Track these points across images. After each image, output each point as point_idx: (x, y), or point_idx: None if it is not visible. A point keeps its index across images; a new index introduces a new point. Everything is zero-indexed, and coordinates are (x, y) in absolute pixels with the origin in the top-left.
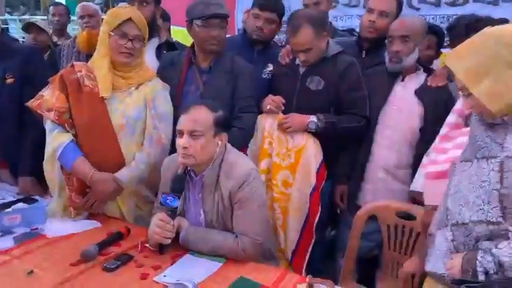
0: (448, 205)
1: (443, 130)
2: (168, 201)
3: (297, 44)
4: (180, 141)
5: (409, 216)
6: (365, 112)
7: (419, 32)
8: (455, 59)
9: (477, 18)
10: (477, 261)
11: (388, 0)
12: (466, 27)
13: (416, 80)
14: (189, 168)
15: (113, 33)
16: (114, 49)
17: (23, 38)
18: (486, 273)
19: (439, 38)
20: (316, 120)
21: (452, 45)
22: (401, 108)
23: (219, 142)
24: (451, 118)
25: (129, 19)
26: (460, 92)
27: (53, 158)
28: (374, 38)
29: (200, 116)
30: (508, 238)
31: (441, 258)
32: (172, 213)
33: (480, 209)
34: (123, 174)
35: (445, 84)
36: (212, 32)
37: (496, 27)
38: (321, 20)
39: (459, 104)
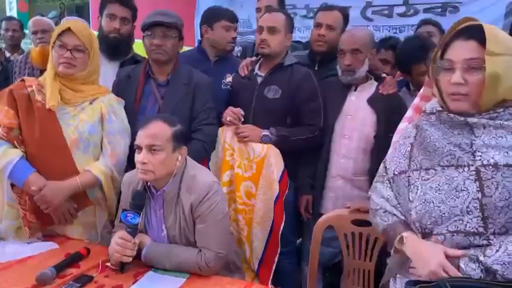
0: (414, 217)
1: (395, 137)
2: (128, 218)
3: (267, 19)
4: (138, 157)
5: (366, 223)
6: (319, 123)
7: (368, 44)
8: (493, 28)
9: (422, 43)
10: (460, 268)
11: (334, 15)
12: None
13: (369, 89)
14: (149, 183)
15: (54, 45)
16: (56, 60)
17: None
18: None
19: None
20: (269, 134)
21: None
22: (356, 117)
23: (179, 156)
24: (402, 126)
25: (68, 29)
26: (461, 64)
27: (1, 176)
28: (325, 51)
29: (158, 131)
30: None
31: None
32: (133, 230)
33: (458, 220)
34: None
35: (396, 91)
36: (154, 41)
37: None
38: (292, 22)
39: (410, 112)
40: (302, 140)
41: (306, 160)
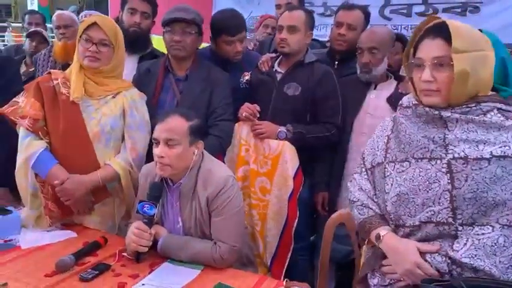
0: (389, 209)
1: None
2: (145, 209)
3: (286, 18)
4: (156, 151)
5: None
6: (337, 121)
7: (386, 43)
8: (454, 22)
9: None
10: (427, 262)
11: (355, 14)
12: None
13: (388, 87)
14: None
15: (80, 39)
16: (81, 54)
17: None
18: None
19: (403, 43)
20: (285, 131)
21: None
22: (375, 115)
23: (196, 150)
24: None
25: (94, 23)
26: (430, 62)
27: (26, 166)
28: (345, 50)
29: (175, 125)
30: (456, 237)
31: None
32: (149, 221)
33: (430, 211)
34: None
35: None
36: (174, 37)
37: None
38: (312, 19)
39: None
40: (318, 137)
41: (321, 157)
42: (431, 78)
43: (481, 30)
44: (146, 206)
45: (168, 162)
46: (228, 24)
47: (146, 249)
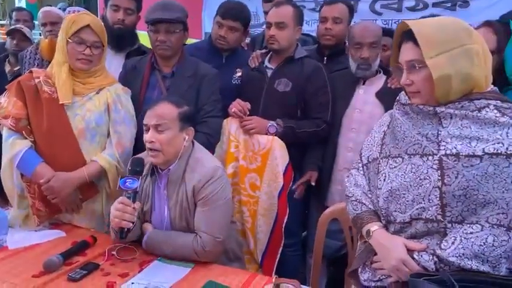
0: (381, 204)
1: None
2: (127, 183)
3: (274, 15)
4: (146, 136)
5: None
6: (326, 117)
7: (381, 38)
8: (422, 26)
9: None
10: (414, 260)
11: (339, 7)
12: None
13: (377, 82)
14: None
15: (70, 40)
16: (72, 56)
17: None
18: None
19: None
20: (275, 125)
21: None
22: (363, 110)
23: (186, 137)
24: None
25: (87, 26)
26: (406, 66)
27: (11, 166)
28: (333, 45)
29: (164, 111)
30: (445, 234)
31: None
32: (133, 195)
33: (420, 208)
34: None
35: None
36: (159, 36)
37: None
38: (301, 14)
39: None
40: (308, 132)
41: (312, 150)
42: (407, 82)
43: (507, 20)
44: (128, 180)
45: (158, 147)
46: (225, 7)
47: (130, 224)
